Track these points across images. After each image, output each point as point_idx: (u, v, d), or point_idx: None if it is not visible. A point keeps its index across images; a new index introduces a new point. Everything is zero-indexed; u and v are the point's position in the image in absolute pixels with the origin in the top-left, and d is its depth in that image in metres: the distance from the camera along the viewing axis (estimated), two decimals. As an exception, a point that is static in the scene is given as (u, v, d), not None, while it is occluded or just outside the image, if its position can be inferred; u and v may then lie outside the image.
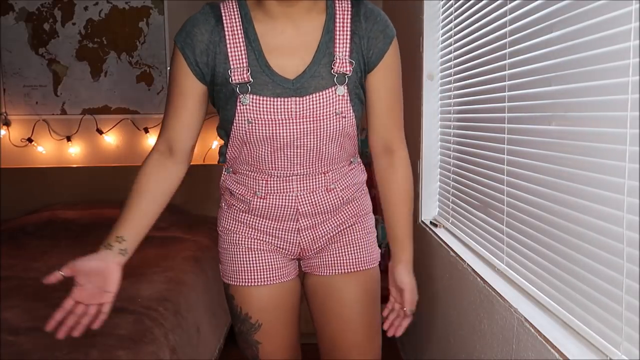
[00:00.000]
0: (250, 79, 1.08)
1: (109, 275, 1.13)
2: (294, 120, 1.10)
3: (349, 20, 1.10)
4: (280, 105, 1.09)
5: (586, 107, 0.86)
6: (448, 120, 1.69)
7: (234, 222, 1.25)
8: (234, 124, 1.11)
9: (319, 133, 1.12)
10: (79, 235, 2.65)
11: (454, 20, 1.59)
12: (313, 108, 1.09)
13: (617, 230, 0.77)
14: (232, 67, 1.09)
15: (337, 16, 1.10)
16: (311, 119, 1.10)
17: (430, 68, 1.87)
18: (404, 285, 1.19)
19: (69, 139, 3.19)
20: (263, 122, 1.09)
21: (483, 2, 1.34)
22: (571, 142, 0.90)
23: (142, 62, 3.18)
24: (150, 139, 3.20)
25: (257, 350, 1.26)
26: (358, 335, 1.25)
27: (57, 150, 3.22)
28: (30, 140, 3.18)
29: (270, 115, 1.09)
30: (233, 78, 1.09)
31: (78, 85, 3.18)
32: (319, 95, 1.09)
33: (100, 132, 3.19)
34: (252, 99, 1.09)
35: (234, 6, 1.11)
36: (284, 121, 1.09)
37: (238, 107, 1.10)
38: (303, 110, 1.09)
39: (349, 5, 1.11)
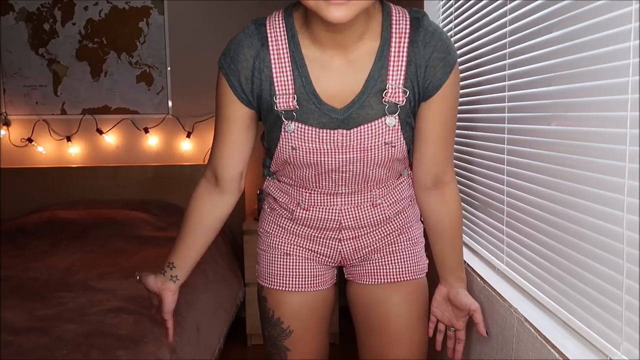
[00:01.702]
0: (296, 107, 1.02)
1: (163, 298, 1.23)
2: (341, 150, 1.05)
3: (405, 46, 1.00)
4: (326, 136, 1.03)
5: (586, 107, 0.86)
6: (448, 120, 1.69)
7: (275, 227, 1.22)
8: (278, 147, 1.07)
9: (366, 161, 1.07)
10: (79, 235, 2.65)
11: (454, 20, 1.59)
12: (361, 139, 1.04)
13: (617, 230, 0.77)
14: (277, 93, 1.02)
15: (393, 41, 1.00)
16: (358, 149, 1.05)
17: (430, 68, 1.86)
18: (475, 305, 1.16)
19: (69, 139, 3.20)
20: (308, 150, 1.05)
21: (483, 2, 1.34)
22: (571, 142, 0.90)
23: (142, 62, 3.18)
24: (150, 139, 3.21)
25: (286, 356, 1.22)
26: (403, 352, 1.20)
27: (57, 150, 3.22)
28: (30, 140, 3.18)
29: (316, 144, 1.04)
30: (278, 105, 1.02)
31: (78, 85, 3.18)
32: (368, 127, 1.03)
33: (100, 132, 3.19)
34: (297, 127, 1.03)
35: (281, 26, 1.01)
36: (329, 150, 1.05)
37: (282, 134, 1.05)
38: (350, 141, 1.04)
39: (407, 29, 1.00)
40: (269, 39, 1.01)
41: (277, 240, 1.22)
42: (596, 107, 0.83)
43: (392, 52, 1.00)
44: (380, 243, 1.20)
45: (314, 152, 1.05)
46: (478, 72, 1.38)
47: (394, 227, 1.20)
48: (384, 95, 1.01)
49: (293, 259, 1.20)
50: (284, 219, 1.20)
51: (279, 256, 1.21)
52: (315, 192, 1.14)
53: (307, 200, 1.15)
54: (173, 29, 3.17)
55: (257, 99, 1.06)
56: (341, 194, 1.14)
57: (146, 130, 3.20)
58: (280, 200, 1.19)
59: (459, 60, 1.54)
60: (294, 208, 1.17)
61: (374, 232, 1.19)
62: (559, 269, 0.96)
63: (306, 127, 1.03)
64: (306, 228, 1.19)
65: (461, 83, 1.53)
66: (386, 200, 1.16)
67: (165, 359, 1.64)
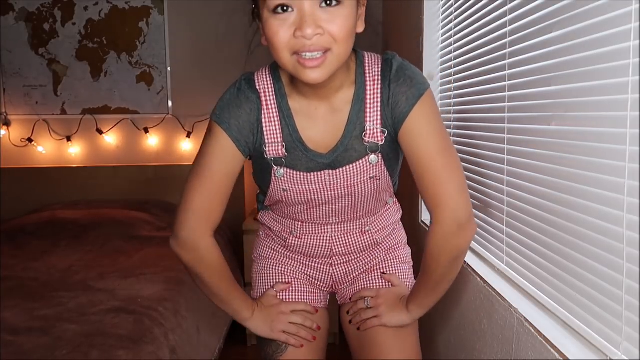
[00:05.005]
0: (285, 154, 1.08)
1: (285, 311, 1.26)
2: (329, 188, 1.10)
3: (379, 88, 1.04)
4: (314, 178, 1.09)
5: (586, 107, 0.86)
6: (448, 121, 1.69)
7: (270, 251, 1.27)
8: (271, 189, 1.13)
9: (354, 195, 1.12)
10: (79, 235, 2.65)
11: (454, 20, 1.59)
12: (347, 177, 1.09)
13: (617, 230, 0.77)
14: (267, 142, 1.07)
15: (368, 84, 1.05)
16: (346, 186, 1.10)
17: (430, 68, 1.87)
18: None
19: (69, 139, 3.19)
20: (298, 191, 1.11)
21: (483, 2, 1.34)
22: (571, 142, 0.90)
23: (142, 62, 3.18)
24: (150, 139, 3.20)
25: None
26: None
27: (57, 150, 3.22)
28: (30, 140, 3.18)
29: (305, 186, 1.10)
30: (268, 152, 1.08)
31: (78, 85, 3.18)
32: (352, 167, 1.08)
33: (100, 132, 3.19)
34: (287, 172, 1.09)
35: (268, 80, 1.08)
36: (318, 189, 1.10)
37: (273, 178, 1.10)
38: (337, 180, 1.09)
39: (379, 70, 1.05)
40: (259, 92, 1.07)
41: (273, 262, 1.27)
42: (596, 107, 0.83)
43: (367, 95, 1.05)
44: (370, 265, 1.25)
45: (304, 192, 1.11)
46: (478, 72, 1.38)
47: (383, 250, 1.25)
48: (363, 136, 1.06)
49: (287, 278, 1.25)
50: (278, 245, 1.26)
51: (275, 275, 1.26)
52: (307, 223, 1.20)
53: (299, 230, 1.20)
54: (173, 29, 3.17)
55: (254, 148, 1.09)
56: (331, 224, 1.19)
57: (146, 130, 3.19)
58: (275, 229, 1.25)
59: (459, 60, 1.55)
60: (287, 236, 1.22)
61: (364, 256, 1.24)
62: (559, 269, 0.96)
63: (294, 172, 1.09)
64: (299, 255, 1.24)
65: (461, 83, 1.53)
66: (374, 227, 1.22)
67: (165, 359, 1.64)
